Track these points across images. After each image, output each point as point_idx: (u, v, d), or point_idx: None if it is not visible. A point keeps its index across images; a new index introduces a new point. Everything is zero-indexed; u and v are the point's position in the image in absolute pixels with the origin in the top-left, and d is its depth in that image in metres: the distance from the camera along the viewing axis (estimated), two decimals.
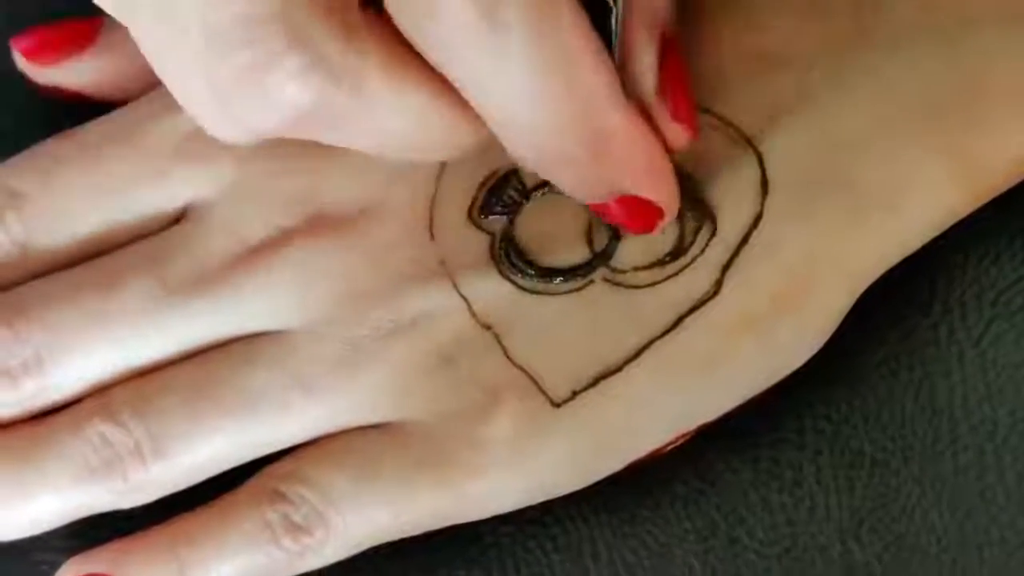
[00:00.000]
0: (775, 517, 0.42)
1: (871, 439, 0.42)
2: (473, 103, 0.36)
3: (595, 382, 0.40)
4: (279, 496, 0.41)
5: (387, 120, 0.36)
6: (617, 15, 0.38)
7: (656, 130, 0.39)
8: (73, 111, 0.44)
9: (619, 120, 0.37)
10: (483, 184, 0.42)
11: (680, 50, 0.39)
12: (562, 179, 0.38)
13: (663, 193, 0.39)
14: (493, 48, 0.35)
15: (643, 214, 0.39)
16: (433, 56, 0.36)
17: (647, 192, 0.39)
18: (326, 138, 0.37)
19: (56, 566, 0.41)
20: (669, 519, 0.42)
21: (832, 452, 0.42)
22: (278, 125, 0.36)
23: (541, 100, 0.36)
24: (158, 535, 0.41)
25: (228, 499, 0.41)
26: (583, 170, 0.38)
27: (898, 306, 0.43)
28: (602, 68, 0.36)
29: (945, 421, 0.42)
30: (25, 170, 0.42)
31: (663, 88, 0.39)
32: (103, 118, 0.43)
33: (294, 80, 0.35)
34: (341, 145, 0.37)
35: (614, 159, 0.38)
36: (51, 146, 0.43)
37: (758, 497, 0.42)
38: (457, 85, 0.36)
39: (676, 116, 0.39)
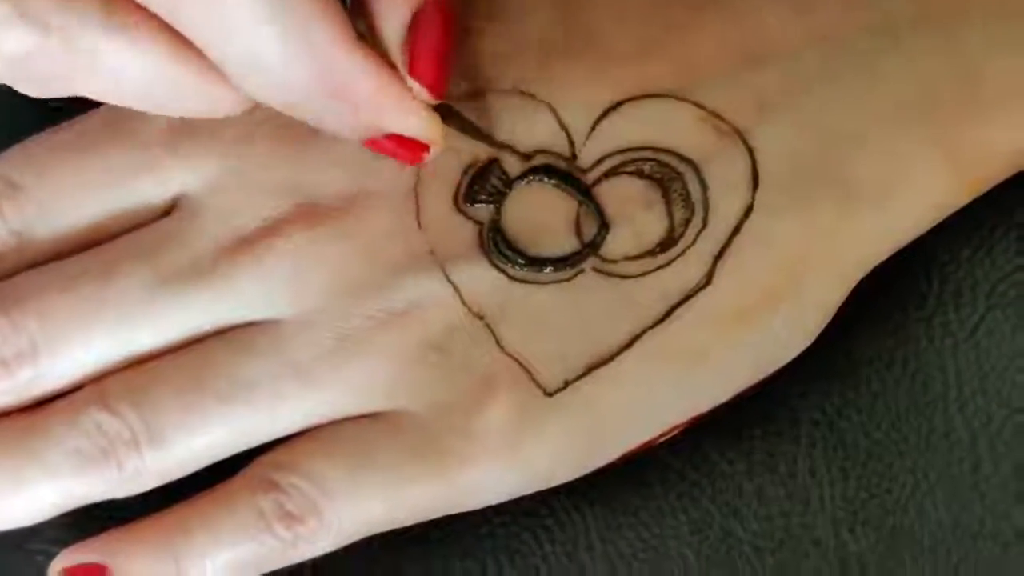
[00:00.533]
0: (769, 509, 0.42)
1: (865, 432, 0.42)
2: (212, 60, 0.37)
3: (587, 371, 0.41)
4: (273, 485, 0.41)
5: (122, 72, 0.37)
6: None
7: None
8: (69, 103, 0.44)
9: (354, 70, 0.37)
10: (465, 171, 0.42)
11: (441, 16, 0.39)
12: (318, 125, 0.38)
13: (419, 129, 0.39)
14: (217, 9, 0.35)
15: (408, 148, 0.39)
16: (165, 17, 0.36)
17: (405, 130, 0.39)
18: (65, 87, 0.37)
19: (51, 556, 0.41)
20: (663, 511, 0.42)
21: (826, 444, 0.42)
22: (3, 72, 0.37)
23: (273, 58, 0.36)
24: (152, 524, 0.41)
25: (222, 488, 0.41)
26: (335, 116, 0.38)
27: (892, 299, 0.43)
28: (332, 21, 0.36)
29: (939, 414, 0.42)
30: (20, 161, 0.43)
31: (407, 45, 0.39)
32: (98, 109, 0.43)
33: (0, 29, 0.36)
34: (86, 94, 0.38)
35: (361, 104, 0.38)
36: (46, 138, 0.43)
37: (752, 489, 0.42)
38: (195, 44, 0.36)
39: (413, 72, 0.39)
